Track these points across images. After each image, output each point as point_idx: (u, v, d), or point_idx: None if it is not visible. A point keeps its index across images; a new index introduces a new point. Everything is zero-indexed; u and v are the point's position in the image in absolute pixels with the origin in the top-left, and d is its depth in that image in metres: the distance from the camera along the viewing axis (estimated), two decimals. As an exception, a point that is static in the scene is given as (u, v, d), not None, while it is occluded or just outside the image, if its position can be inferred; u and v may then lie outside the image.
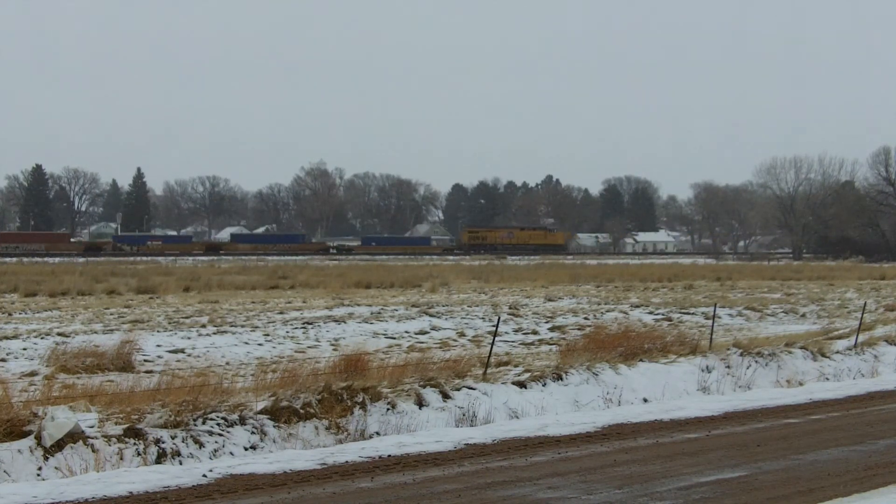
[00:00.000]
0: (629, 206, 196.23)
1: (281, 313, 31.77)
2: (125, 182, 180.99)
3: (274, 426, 12.09)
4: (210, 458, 11.19)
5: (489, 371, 15.75)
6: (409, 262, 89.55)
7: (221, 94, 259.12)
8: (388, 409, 13.19)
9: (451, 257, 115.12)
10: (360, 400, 13.11)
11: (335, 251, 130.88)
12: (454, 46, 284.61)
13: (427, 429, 12.90)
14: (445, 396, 13.94)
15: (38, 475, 10.23)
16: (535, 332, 26.78)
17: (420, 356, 18.02)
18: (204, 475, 10.02)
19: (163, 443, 11.15)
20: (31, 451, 10.42)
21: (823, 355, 19.65)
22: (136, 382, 13.70)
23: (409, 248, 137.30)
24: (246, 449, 11.63)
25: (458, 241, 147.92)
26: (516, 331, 27.18)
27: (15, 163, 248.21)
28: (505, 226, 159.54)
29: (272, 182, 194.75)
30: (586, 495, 9.55)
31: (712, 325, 20.85)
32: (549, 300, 40.07)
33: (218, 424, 11.73)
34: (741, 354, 18.25)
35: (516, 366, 16.92)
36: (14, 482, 9.90)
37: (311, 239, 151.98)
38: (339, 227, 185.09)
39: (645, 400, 15.74)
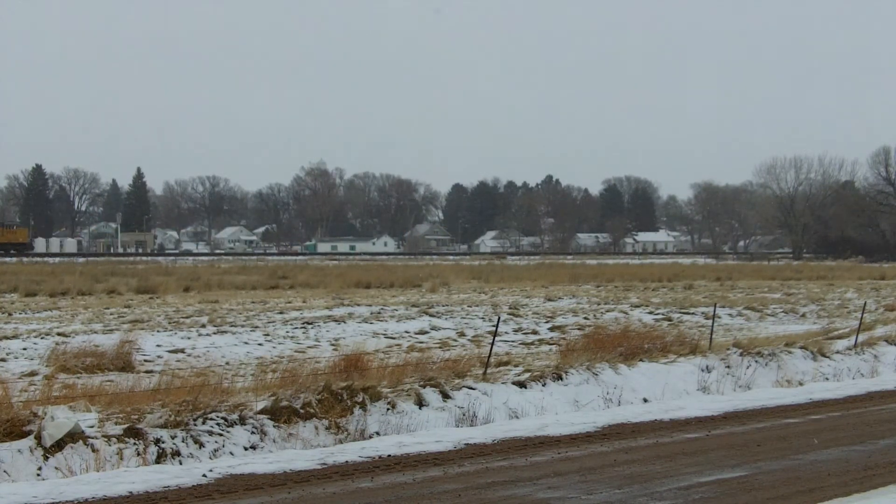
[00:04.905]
0: (629, 206, 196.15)
1: (281, 313, 31.77)
2: (125, 182, 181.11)
3: (274, 426, 12.09)
4: (210, 458, 11.19)
5: (489, 371, 15.75)
6: (409, 262, 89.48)
7: (221, 94, 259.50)
8: (388, 409, 13.20)
9: None
10: (360, 400, 13.11)
11: None
12: (454, 46, 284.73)
13: (427, 429, 12.90)
14: (445, 396, 13.94)
15: (38, 475, 10.23)
16: (535, 332, 26.77)
17: (420, 356, 18.04)
18: (204, 475, 10.01)
19: (163, 443, 11.15)
20: (31, 451, 10.42)
21: (823, 355, 19.66)
22: (136, 382, 13.70)
23: None
24: (246, 449, 11.63)
25: None
26: (516, 331, 27.17)
27: (15, 163, 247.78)
28: None
29: (272, 182, 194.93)
30: (586, 495, 9.55)
31: (712, 325, 20.85)
32: (549, 300, 40.07)
33: (218, 424, 11.73)
34: (741, 354, 18.26)
35: (516, 366, 16.90)
36: (14, 482, 9.90)
37: None
38: (338, 227, 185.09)
39: (645, 400, 15.74)
